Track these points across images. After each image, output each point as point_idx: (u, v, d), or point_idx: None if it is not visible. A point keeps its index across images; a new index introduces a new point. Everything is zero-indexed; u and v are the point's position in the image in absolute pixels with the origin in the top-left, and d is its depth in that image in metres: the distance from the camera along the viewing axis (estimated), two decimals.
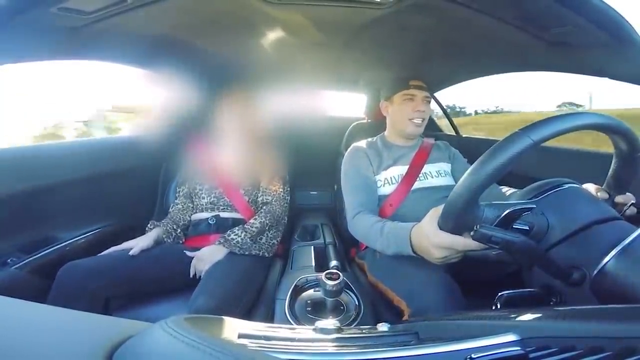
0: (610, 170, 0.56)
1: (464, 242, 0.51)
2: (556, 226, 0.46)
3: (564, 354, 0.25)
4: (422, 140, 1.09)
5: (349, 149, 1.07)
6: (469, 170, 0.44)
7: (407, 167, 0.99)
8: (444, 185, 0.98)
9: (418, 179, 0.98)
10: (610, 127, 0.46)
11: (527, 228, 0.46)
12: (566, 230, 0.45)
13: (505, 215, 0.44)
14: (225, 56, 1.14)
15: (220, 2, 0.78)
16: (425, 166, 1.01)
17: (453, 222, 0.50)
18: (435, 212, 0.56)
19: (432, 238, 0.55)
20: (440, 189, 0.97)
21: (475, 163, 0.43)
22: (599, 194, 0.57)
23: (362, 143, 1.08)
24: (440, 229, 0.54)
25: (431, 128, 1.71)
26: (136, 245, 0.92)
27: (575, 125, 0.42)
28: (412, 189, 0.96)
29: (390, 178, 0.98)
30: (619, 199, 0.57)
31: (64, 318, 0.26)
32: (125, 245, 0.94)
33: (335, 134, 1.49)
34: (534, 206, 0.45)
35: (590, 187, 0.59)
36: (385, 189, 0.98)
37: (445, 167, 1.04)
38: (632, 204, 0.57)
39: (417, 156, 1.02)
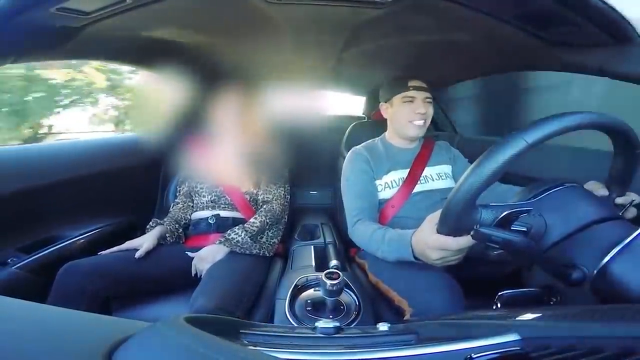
0: (610, 168, 0.56)
1: (457, 242, 0.52)
2: (554, 227, 0.46)
3: (564, 354, 0.25)
4: (422, 141, 1.08)
5: (349, 153, 1.05)
6: (464, 175, 0.44)
7: (407, 170, 0.99)
8: (444, 188, 0.98)
9: (419, 182, 0.97)
10: (608, 126, 0.46)
11: (525, 229, 0.46)
12: (564, 230, 0.45)
13: (503, 217, 0.44)
14: (225, 55, 1.14)
15: (220, 2, 0.78)
16: (426, 169, 1.00)
17: (451, 226, 0.51)
18: (433, 217, 0.57)
19: (428, 240, 0.57)
20: (441, 191, 0.97)
21: (471, 167, 0.44)
22: (599, 190, 0.57)
23: (362, 147, 1.06)
24: (439, 233, 0.54)
25: (431, 127, 1.71)
26: (140, 245, 0.91)
27: (572, 125, 0.42)
28: (413, 192, 0.96)
29: (391, 182, 0.98)
30: (619, 200, 0.57)
31: (63, 318, 0.26)
32: (127, 245, 0.93)
33: (335, 134, 1.48)
34: (531, 208, 0.45)
35: (591, 185, 0.59)
36: (386, 193, 0.97)
37: (447, 169, 1.03)
38: (633, 202, 0.57)
39: (417, 159, 1.01)
